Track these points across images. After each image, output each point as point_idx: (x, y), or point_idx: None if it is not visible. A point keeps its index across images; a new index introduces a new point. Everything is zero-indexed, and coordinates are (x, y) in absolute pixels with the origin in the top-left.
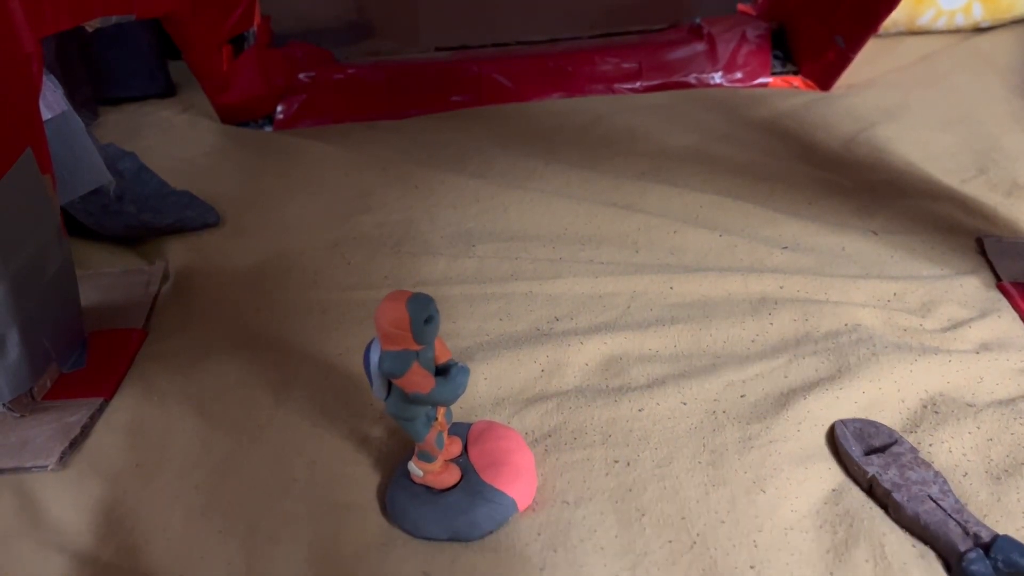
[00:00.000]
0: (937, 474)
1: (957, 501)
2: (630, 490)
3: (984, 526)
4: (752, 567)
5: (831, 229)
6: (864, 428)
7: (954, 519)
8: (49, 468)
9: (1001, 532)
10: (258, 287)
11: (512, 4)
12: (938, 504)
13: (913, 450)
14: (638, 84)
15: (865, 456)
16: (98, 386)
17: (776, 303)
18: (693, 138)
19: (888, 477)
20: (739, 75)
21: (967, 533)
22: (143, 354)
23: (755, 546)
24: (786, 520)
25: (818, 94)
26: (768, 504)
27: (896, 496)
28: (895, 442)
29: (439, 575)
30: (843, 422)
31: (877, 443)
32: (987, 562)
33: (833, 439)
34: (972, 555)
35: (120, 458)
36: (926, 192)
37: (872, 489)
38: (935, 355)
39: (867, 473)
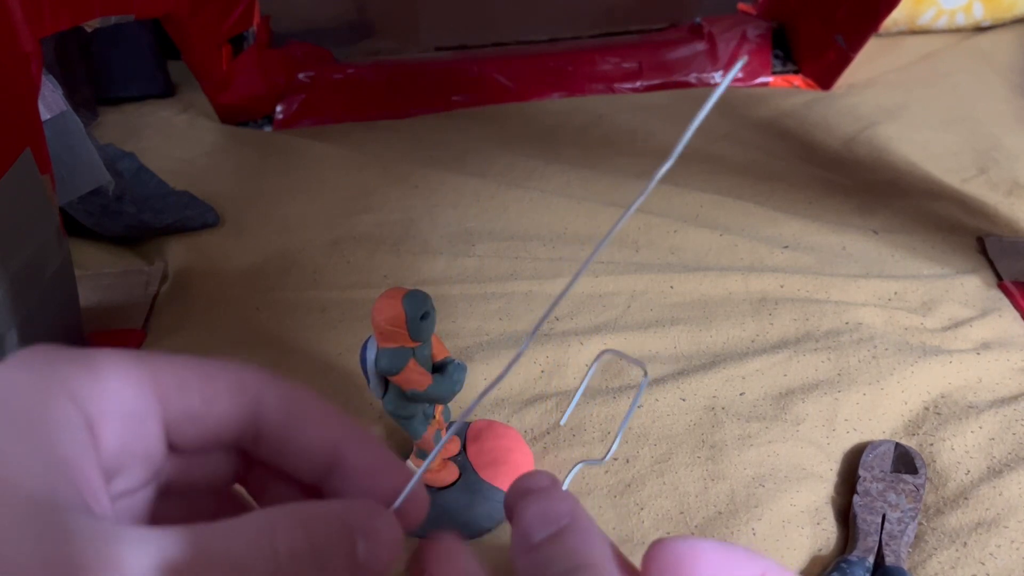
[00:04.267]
0: (915, 511)
1: (905, 536)
2: (629, 486)
3: (901, 564)
4: None
5: (832, 228)
6: (902, 453)
7: (881, 537)
8: None
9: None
10: (257, 286)
11: (512, 4)
12: (883, 520)
13: (918, 488)
14: (638, 84)
15: (868, 462)
16: None
17: (776, 302)
18: (693, 137)
19: (869, 487)
20: (740, 74)
21: (872, 550)
22: None
23: (753, 534)
24: (785, 513)
25: (819, 93)
26: (767, 496)
27: (856, 498)
28: (914, 472)
29: None
30: (883, 442)
31: (900, 467)
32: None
33: (858, 452)
34: (843, 564)
35: None
36: (927, 191)
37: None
38: (936, 354)
39: (858, 476)
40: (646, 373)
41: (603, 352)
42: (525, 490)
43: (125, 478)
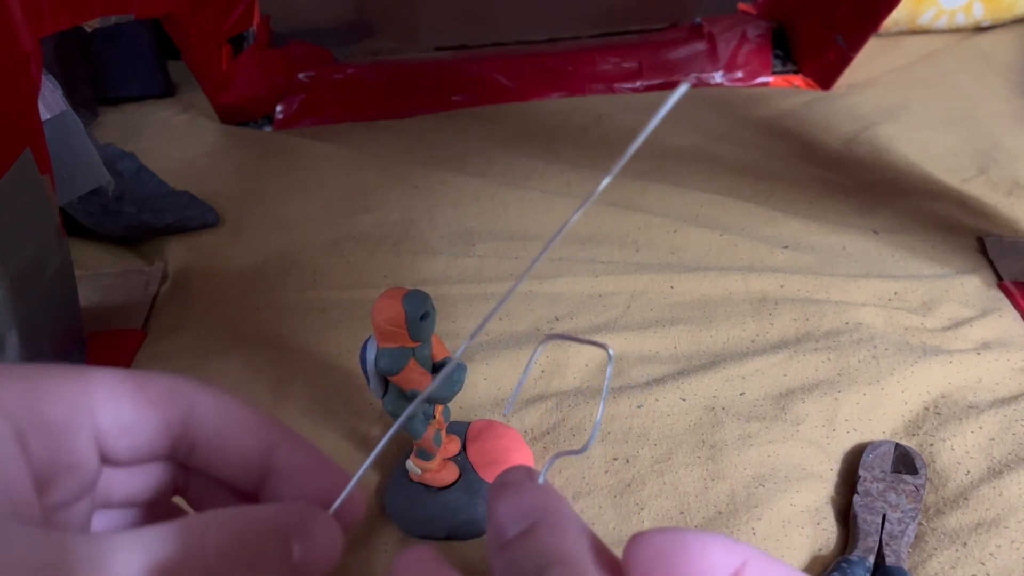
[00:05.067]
0: (916, 511)
1: (905, 537)
2: (628, 486)
3: (901, 565)
4: None
5: (832, 228)
6: (902, 454)
7: (881, 537)
8: None
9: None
10: (257, 286)
11: (512, 4)
12: (884, 520)
13: (918, 488)
14: (638, 84)
15: (868, 463)
16: None
17: (777, 302)
18: (693, 137)
19: (869, 487)
20: (740, 74)
21: (873, 550)
22: (142, 355)
23: (753, 534)
24: (785, 513)
25: (819, 93)
26: (767, 496)
27: (856, 498)
28: (915, 473)
29: None
30: (883, 443)
31: (900, 468)
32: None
33: (858, 453)
34: (843, 564)
35: None
36: (927, 191)
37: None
38: (936, 354)
39: (858, 476)
40: (610, 354)
41: (547, 337)
42: (499, 485)
43: (58, 490)
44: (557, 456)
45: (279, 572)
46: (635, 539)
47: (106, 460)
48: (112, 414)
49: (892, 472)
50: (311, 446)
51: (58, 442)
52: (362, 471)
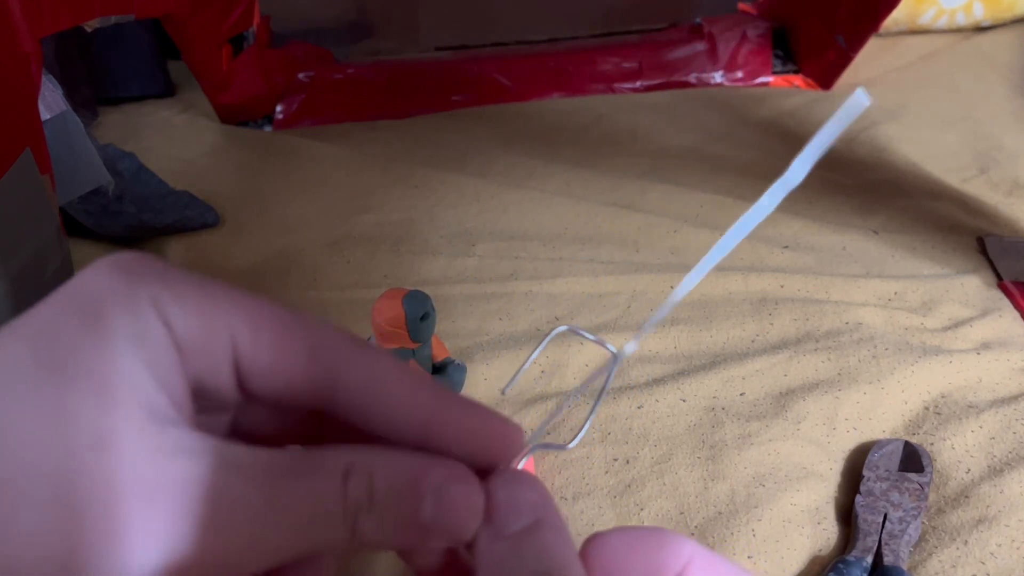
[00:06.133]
0: (919, 510)
1: (906, 535)
2: (629, 486)
3: (900, 564)
4: (750, 557)
5: (832, 228)
6: (910, 452)
7: (881, 537)
8: None
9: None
10: (257, 287)
11: (512, 4)
12: (885, 520)
13: (923, 486)
14: (638, 84)
15: (873, 462)
16: None
17: (777, 302)
18: (693, 137)
19: (872, 486)
20: (740, 74)
21: (871, 550)
22: None
23: (753, 535)
24: (785, 513)
25: (819, 93)
26: (768, 496)
27: (858, 498)
28: (920, 471)
29: None
30: (891, 441)
31: (907, 466)
32: None
33: (862, 452)
34: (840, 565)
35: None
36: (927, 191)
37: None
38: (936, 354)
39: (862, 477)
40: (615, 354)
41: (559, 328)
42: (499, 470)
43: (200, 414)
44: (536, 448)
45: (404, 527)
46: (592, 540)
47: (243, 393)
48: (250, 352)
49: (898, 470)
50: (483, 410)
51: (203, 363)
52: (539, 433)
